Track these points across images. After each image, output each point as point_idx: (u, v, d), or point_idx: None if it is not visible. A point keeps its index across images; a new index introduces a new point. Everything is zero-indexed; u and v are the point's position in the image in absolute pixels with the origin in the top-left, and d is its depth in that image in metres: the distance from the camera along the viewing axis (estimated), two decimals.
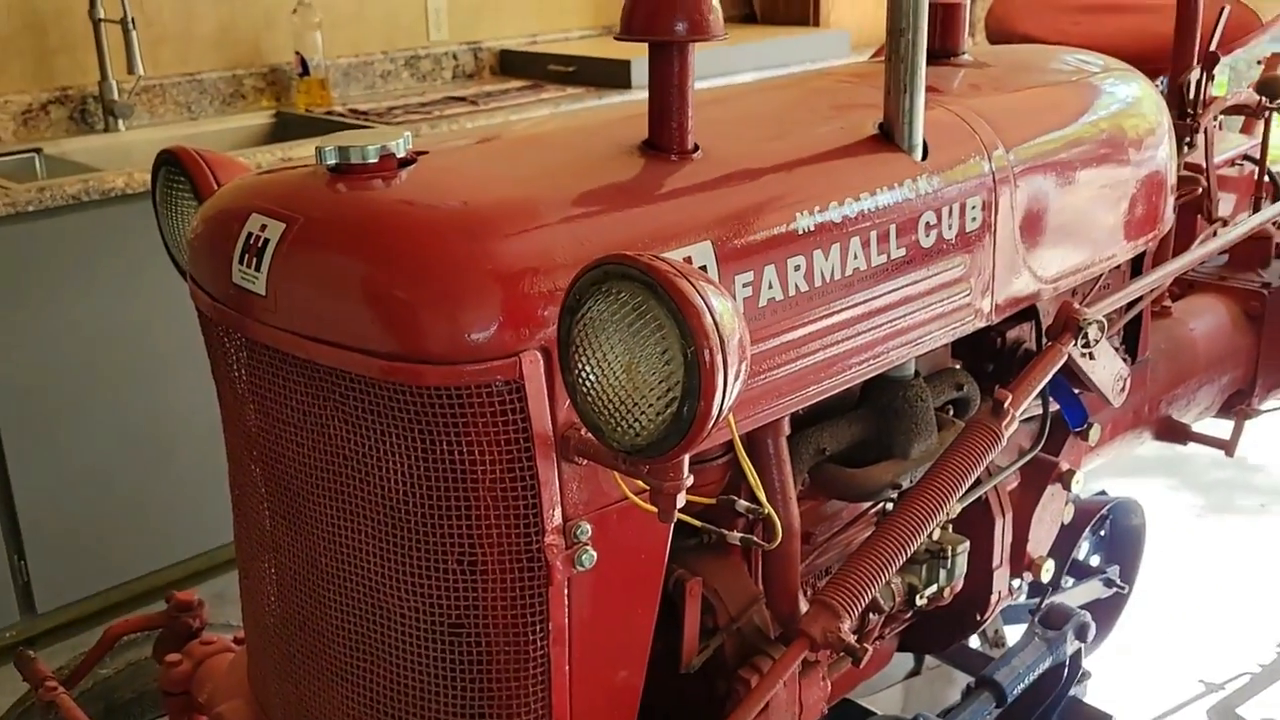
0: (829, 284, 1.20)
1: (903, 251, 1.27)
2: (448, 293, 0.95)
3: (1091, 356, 1.52)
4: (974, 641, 2.02)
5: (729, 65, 4.14)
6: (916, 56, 1.26)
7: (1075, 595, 2.30)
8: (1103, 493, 2.63)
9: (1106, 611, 2.40)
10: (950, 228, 1.32)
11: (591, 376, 0.90)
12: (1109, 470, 2.73)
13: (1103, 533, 2.45)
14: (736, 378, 0.87)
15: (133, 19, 3.20)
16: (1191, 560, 3.07)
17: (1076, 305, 1.49)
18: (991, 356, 1.64)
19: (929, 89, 1.43)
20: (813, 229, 1.17)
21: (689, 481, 0.94)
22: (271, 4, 3.69)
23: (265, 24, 3.75)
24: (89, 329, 2.67)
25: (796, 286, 1.17)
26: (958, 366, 1.54)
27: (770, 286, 1.14)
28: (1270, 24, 2.46)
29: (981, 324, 1.41)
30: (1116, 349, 1.89)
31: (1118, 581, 2.38)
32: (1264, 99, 2.19)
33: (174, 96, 3.53)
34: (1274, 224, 2.53)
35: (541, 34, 4.43)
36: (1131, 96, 1.67)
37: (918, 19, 1.25)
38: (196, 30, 3.56)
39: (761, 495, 1.02)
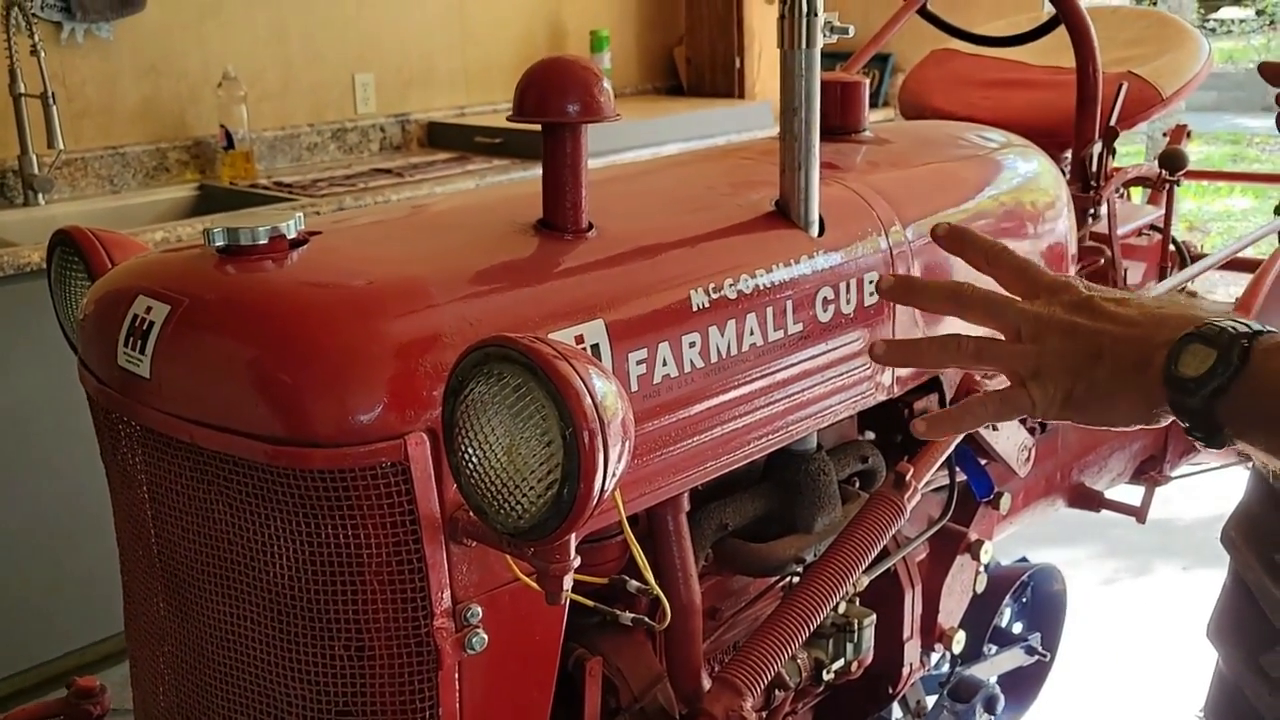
0: (725, 360, 1.21)
1: (800, 326, 1.29)
2: (332, 374, 0.95)
3: (995, 427, 1.54)
4: (896, 712, 2.03)
5: (654, 137, 4.18)
6: (810, 135, 1.28)
7: (998, 663, 2.31)
8: (1024, 559, 2.65)
9: (1029, 680, 2.42)
10: (848, 302, 1.34)
11: (475, 458, 0.89)
12: (1030, 537, 2.76)
13: (1024, 599, 2.47)
14: (619, 459, 0.87)
15: (53, 93, 3.18)
16: (1114, 625, 3.10)
17: (978, 377, 1.51)
18: (900, 428, 1.66)
19: (827, 166, 1.46)
20: (708, 306, 1.19)
21: (576, 563, 0.94)
22: (196, 77, 3.69)
23: (190, 97, 3.75)
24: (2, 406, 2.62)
25: (692, 363, 1.18)
26: (864, 439, 1.55)
27: (665, 364, 1.15)
28: (1170, 100, 2.54)
29: (883, 397, 1.42)
30: (1023, 420, 1.93)
31: (1039, 649, 2.40)
32: (1164, 171, 2.25)
33: (96, 170, 3.51)
34: (1181, 292, 2.60)
35: (469, 106, 4.47)
36: (1030, 171, 1.71)
37: (810, 98, 1.27)
38: (119, 104, 3.54)
39: (648, 575, 1.02)
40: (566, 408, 0.84)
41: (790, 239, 1.30)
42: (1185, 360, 0.77)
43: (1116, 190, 2.16)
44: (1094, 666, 2.86)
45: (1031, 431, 1.94)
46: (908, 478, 1.37)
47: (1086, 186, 2.16)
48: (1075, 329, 0.83)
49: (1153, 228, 2.61)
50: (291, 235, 1.06)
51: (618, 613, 1.11)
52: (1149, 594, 3.30)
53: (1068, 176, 2.22)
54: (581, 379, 0.85)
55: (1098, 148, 2.18)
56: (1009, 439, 1.59)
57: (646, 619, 1.13)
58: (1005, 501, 1.78)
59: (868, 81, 1.63)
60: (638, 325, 1.12)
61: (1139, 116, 2.53)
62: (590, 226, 1.18)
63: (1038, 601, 2.48)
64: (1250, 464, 2.14)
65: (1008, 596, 2.31)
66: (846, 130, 1.63)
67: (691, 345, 1.17)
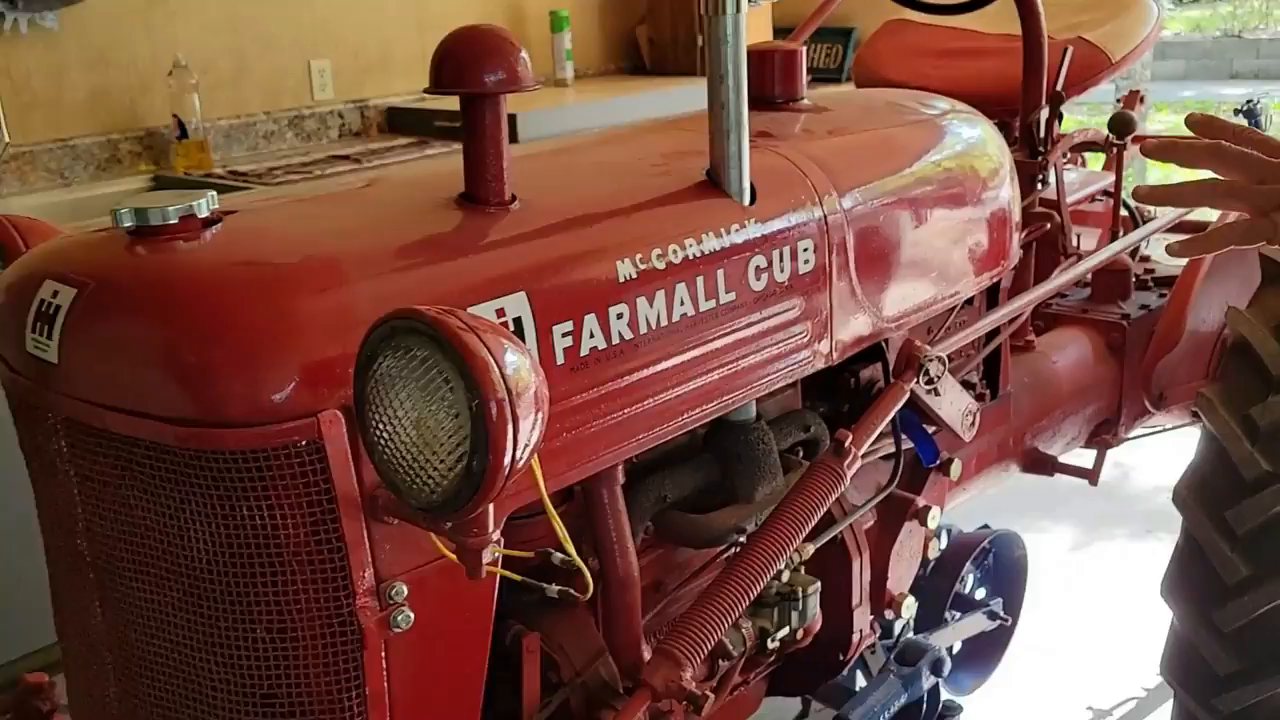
0: (656, 331, 1.20)
1: (732, 296, 1.28)
2: (242, 353, 0.93)
3: (937, 393, 1.54)
4: (860, 680, 2.02)
5: (617, 117, 4.16)
6: (738, 101, 1.27)
7: (960, 629, 2.32)
8: (985, 526, 2.66)
9: (992, 644, 2.43)
10: (782, 271, 1.33)
11: (386, 433, 0.88)
12: (992, 505, 2.76)
13: (986, 565, 2.47)
14: (531, 430, 0.86)
15: None
16: (1075, 589, 3.11)
17: (917, 343, 1.51)
18: (846, 397, 1.65)
19: (761, 134, 1.45)
20: (635, 276, 1.17)
21: (496, 537, 0.93)
22: (146, 67, 3.64)
23: (140, 87, 3.70)
24: None
25: (620, 335, 1.16)
26: (807, 409, 1.55)
27: (592, 336, 1.14)
28: (1120, 64, 2.54)
29: (821, 364, 1.42)
30: (975, 384, 1.93)
31: (1001, 614, 2.40)
32: (1112, 135, 2.25)
33: (45, 163, 3.46)
34: (1134, 256, 2.60)
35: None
36: (973, 137, 1.71)
37: (737, 64, 1.26)
38: (68, 95, 3.50)
39: (569, 547, 1.01)
40: (473, 379, 0.82)
41: (720, 208, 1.29)
42: None
43: (1065, 156, 2.15)
44: (1056, 630, 2.87)
45: (980, 398, 1.94)
46: (847, 444, 1.37)
47: (1034, 152, 2.16)
48: None
49: (1105, 193, 2.61)
50: (204, 214, 1.04)
51: (544, 586, 1.10)
52: (1109, 558, 3.31)
53: (1015, 144, 2.22)
54: (490, 350, 0.84)
55: (1044, 113, 2.17)
56: (953, 404, 1.58)
57: (571, 590, 1.12)
58: (955, 468, 1.78)
59: (804, 50, 1.62)
60: (562, 297, 1.11)
61: (1089, 81, 2.52)
62: (514, 199, 1.16)
63: (999, 567, 2.48)
64: (1201, 425, 2.15)
65: (969, 563, 2.31)
66: (785, 99, 1.62)
67: (619, 317, 1.16)
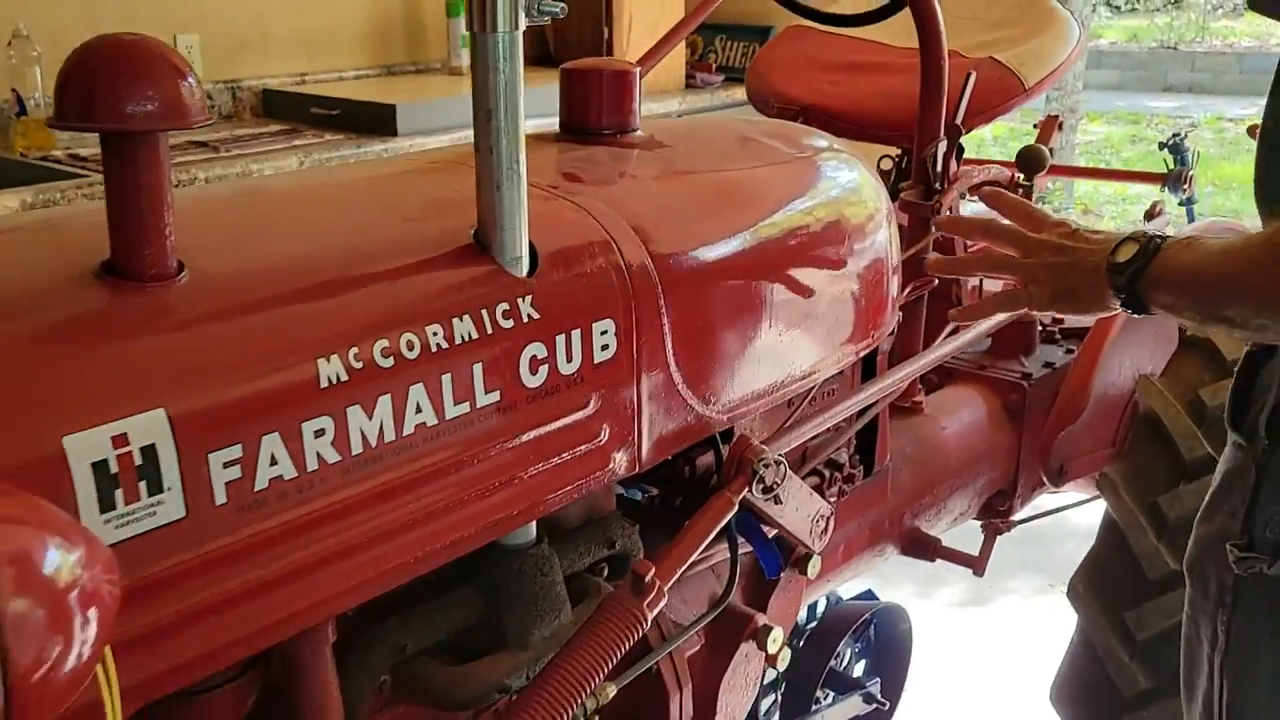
0: (376, 449, 0.91)
1: (496, 396, 0.99)
2: None
3: (778, 500, 1.26)
4: None
5: None
6: (513, 144, 0.98)
7: (833, 715, 2.06)
8: (868, 593, 2.41)
9: None
10: (569, 361, 1.04)
11: None
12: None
13: (868, 636, 2.22)
14: (78, 639, 0.58)
15: None
16: (965, 659, 2.87)
17: (753, 442, 1.23)
18: (680, 488, 1.38)
19: (570, 178, 1.17)
20: (346, 379, 0.88)
21: None
22: None
23: None
24: None
25: (321, 458, 0.87)
26: (616, 515, 1.26)
27: (274, 463, 0.84)
28: (1034, 90, 2.29)
29: (625, 473, 1.13)
30: (844, 462, 1.66)
31: (879, 697, 2.15)
32: (1019, 174, 1.99)
33: None
34: None
35: (311, 73, 4.09)
36: (845, 183, 1.43)
37: (511, 94, 0.97)
38: None
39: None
40: None
41: (484, 280, 1.00)
42: (1119, 252, 1.09)
43: (963, 196, 1.89)
44: (940, 715, 2.62)
45: (849, 479, 1.68)
46: (648, 578, 1.08)
47: (929, 192, 1.89)
48: (1062, 249, 1.16)
49: None
50: None
51: None
52: (1005, 619, 3.08)
53: (909, 179, 1.95)
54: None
55: (941, 146, 1.91)
56: (799, 510, 1.31)
57: None
58: (814, 565, 1.51)
59: (639, 72, 1.33)
60: (226, 412, 0.82)
61: (998, 108, 2.27)
62: (181, 269, 0.86)
63: (881, 642, 2.23)
64: (1099, 502, 1.90)
65: (847, 636, 2.06)
66: (613, 130, 1.33)
67: (319, 434, 0.87)
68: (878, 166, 2.46)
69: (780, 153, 1.41)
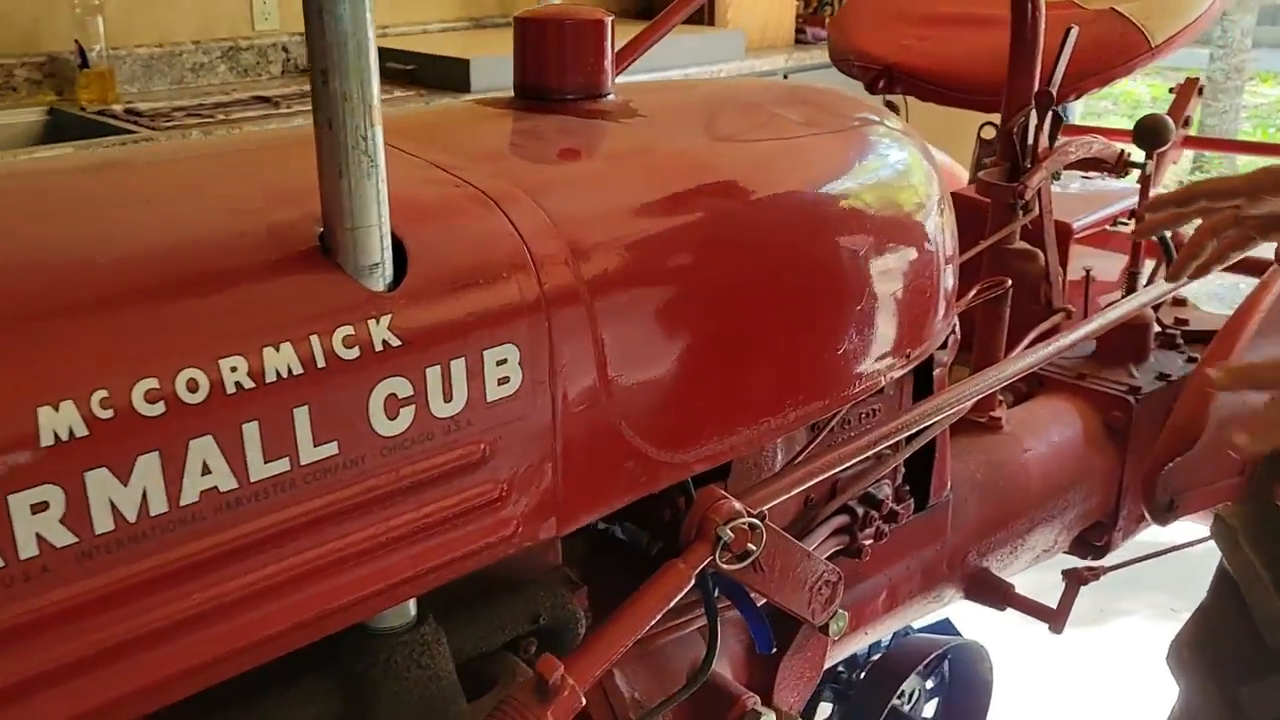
0: (136, 526, 0.67)
1: (332, 449, 0.74)
2: None
3: (759, 567, 0.99)
4: None
5: None
6: (360, 113, 0.73)
7: None
8: (945, 623, 2.11)
9: None
10: (449, 399, 0.79)
11: None
12: None
13: (942, 673, 1.94)
14: None
15: None
16: (1075, 684, 2.55)
17: (722, 497, 0.96)
18: (659, 531, 1.12)
19: (486, 158, 0.91)
20: (83, 434, 0.64)
21: None
22: None
23: (44, 6, 3.22)
24: None
25: (43, 541, 0.64)
26: (556, 570, 1.01)
27: None
28: (1161, 48, 1.93)
29: (542, 538, 0.88)
30: (878, 502, 1.37)
31: None
32: (1125, 152, 1.65)
33: None
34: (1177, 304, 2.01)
35: (394, 26, 3.90)
36: (869, 163, 1.14)
37: (357, 48, 0.72)
38: None
39: None
40: None
41: (320, 295, 0.75)
42: None
43: (1056, 176, 1.57)
44: None
45: (890, 517, 1.39)
46: (553, 680, 0.83)
47: (1015, 170, 1.57)
48: None
49: (1133, 215, 2.02)
50: None
51: None
52: (1120, 646, 2.73)
53: (994, 154, 1.64)
54: None
55: (1033, 117, 1.58)
56: (789, 576, 1.04)
57: None
58: (839, 623, 1.24)
59: (611, 20, 1.06)
60: None
61: (1118, 69, 1.92)
62: None
63: (956, 682, 1.94)
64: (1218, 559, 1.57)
65: (913, 676, 1.78)
66: (576, 94, 1.07)
67: (40, 509, 0.63)
68: (979, 136, 2.13)
69: (793, 125, 1.12)
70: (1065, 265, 2.04)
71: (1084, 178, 2.11)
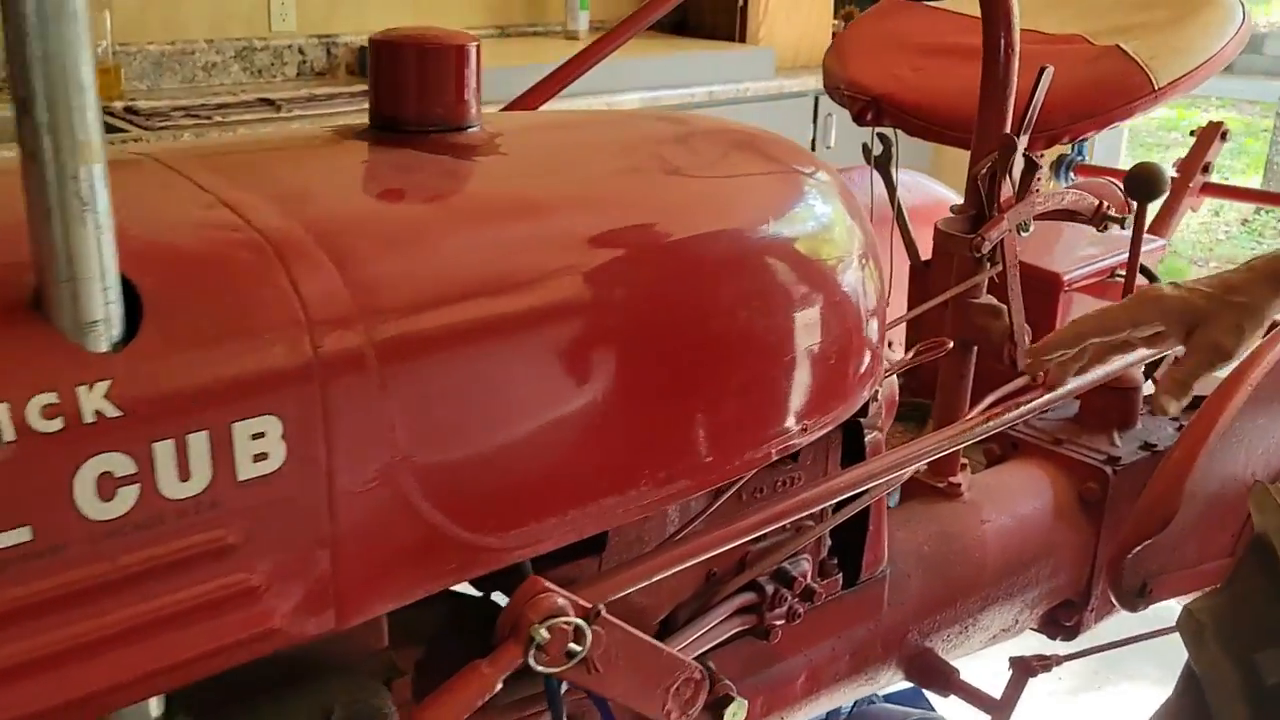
0: None
1: (24, 534, 0.64)
2: None
3: (593, 668, 0.88)
4: None
5: (630, 81, 3.54)
6: (67, 149, 0.63)
7: None
8: (912, 691, 1.98)
9: None
10: (186, 477, 0.69)
11: None
12: None
13: None
14: None
15: None
16: None
17: (545, 587, 0.85)
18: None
19: (280, 199, 0.81)
20: None
21: None
22: None
23: None
24: None
25: None
26: (389, 653, 0.90)
27: None
28: (1166, 90, 1.79)
29: (314, 633, 0.77)
30: (790, 580, 1.25)
31: None
32: (1107, 205, 1.50)
33: None
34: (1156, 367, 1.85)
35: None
36: (762, 206, 1.02)
37: (62, 70, 0.62)
38: None
39: None
40: None
41: (27, 355, 0.65)
42: None
43: (1023, 225, 1.43)
44: None
45: (793, 618, 1.27)
46: None
47: (980, 220, 1.44)
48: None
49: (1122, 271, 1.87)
50: None
51: None
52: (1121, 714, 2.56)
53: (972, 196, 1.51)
54: None
55: (1018, 162, 1.45)
56: (636, 677, 0.92)
57: None
58: (736, 711, 1.12)
59: (476, 45, 0.95)
60: None
61: (1117, 111, 1.78)
62: None
63: None
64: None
65: None
66: (436, 126, 0.96)
67: None
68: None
69: (680, 168, 1.01)
70: (1055, 318, 1.90)
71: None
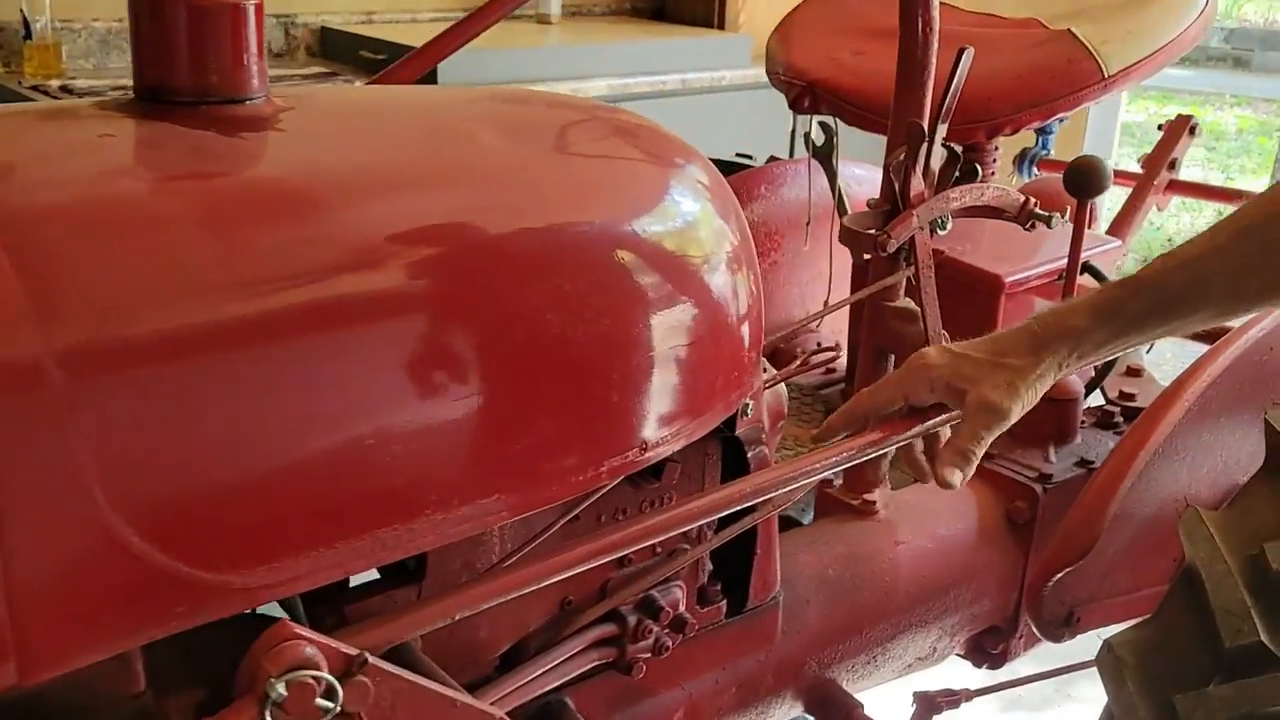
0: None
1: None
2: None
3: None
4: None
5: (605, 68, 3.43)
6: None
7: None
8: None
9: None
10: None
11: None
12: None
13: None
14: None
15: None
16: None
17: (294, 633, 0.73)
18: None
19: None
20: None
21: None
22: None
23: None
24: None
25: None
26: None
27: None
28: (1116, 79, 1.66)
29: None
30: (656, 610, 1.13)
31: None
32: (1032, 202, 1.37)
33: None
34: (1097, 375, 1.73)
35: (382, 13, 3.71)
36: (600, 196, 0.91)
37: None
38: None
39: None
40: None
41: None
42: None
43: (939, 222, 1.30)
44: None
45: (660, 651, 1.15)
46: None
47: (892, 215, 1.32)
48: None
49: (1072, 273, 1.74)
50: None
51: None
52: None
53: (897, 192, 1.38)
54: None
55: (936, 153, 1.32)
56: None
57: None
58: None
59: (256, 3, 0.83)
60: None
61: (1062, 100, 1.66)
62: None
63: None
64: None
65: None
66: (213, 97, 0.84)
67: None
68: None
69: (510, 150, 0.89)
70: (997, 322, 1.77)
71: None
